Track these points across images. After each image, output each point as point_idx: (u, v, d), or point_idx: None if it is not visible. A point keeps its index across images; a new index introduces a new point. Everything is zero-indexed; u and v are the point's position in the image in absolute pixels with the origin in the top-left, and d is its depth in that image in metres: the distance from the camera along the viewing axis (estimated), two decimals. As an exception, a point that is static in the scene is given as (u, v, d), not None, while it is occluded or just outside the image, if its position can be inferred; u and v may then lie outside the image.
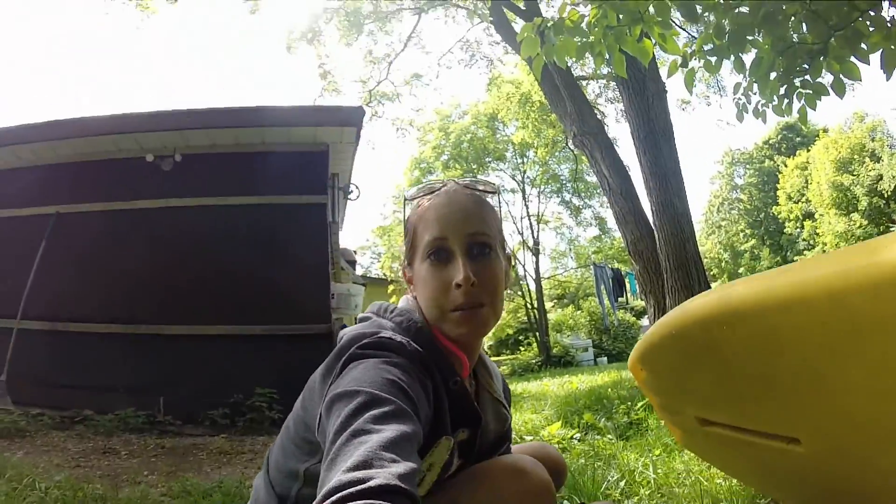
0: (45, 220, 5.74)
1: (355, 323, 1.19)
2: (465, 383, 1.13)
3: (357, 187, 7.15)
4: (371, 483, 0.62)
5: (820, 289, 0.89)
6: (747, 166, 38.89)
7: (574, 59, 3.21)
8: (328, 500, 0.61)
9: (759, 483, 1.80)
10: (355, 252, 9.82)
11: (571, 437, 3.42)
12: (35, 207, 5.87)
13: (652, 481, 2.32)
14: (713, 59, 3.36)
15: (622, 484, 2.33)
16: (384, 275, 20.40)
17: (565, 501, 2.09)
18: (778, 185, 34.22)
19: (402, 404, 0.83)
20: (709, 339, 1.14)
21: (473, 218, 1.13)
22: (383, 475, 0.64)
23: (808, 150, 31.63)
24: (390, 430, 0.74)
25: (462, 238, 1.10)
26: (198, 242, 5.74)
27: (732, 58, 3.45)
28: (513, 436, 1.44)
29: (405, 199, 1.22)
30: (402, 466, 0.67)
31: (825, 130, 32.05)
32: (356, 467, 0.66)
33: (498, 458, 1.20)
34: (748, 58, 3.49)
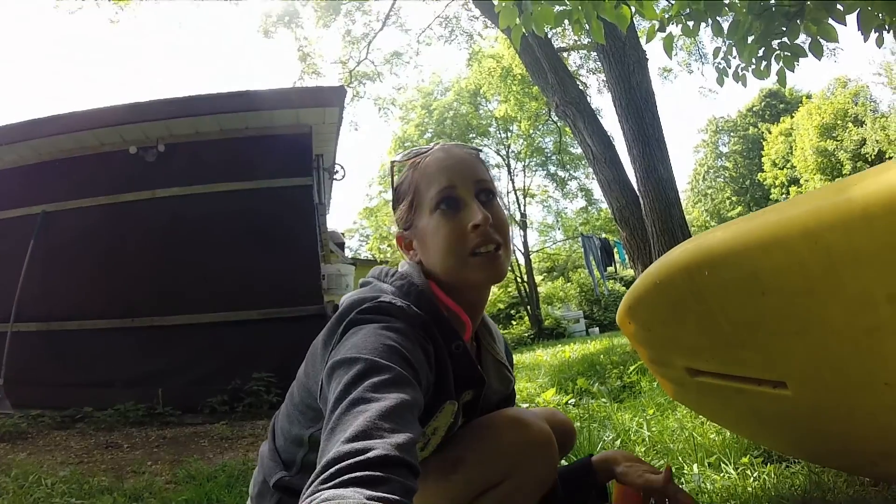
0: (32, 220, 5.68)
1: None
2: (467, 346, 1.12)
3: (342, 167, 7.15)
4: (370, 454, 0.62)
5: (795, 228, 0.91)
6: (731, 134, 38.96)
7: (552, 28, 3.20)
8: (327, 472, 0.61)
9: (751, 432, 1.83)
10: (343, 235, 9.83)
11: (566, 403, 3.47)
12: (21, 208, 5.81)
13: (647, 439, 2.37)
14: (690, 23, 3.37)
15: (617, 443, 2.39)
16: (373, 256, 20.43)
17: (563, 462, 2.13)
18: (763, 152, 34.34)
19: (402, 371, 0.82)
20: (692, 287, 1.15)
21: (477, 167, 1.14)
22: (382, 446, 0.64)
23: (792, 117, 31.71)
24: (390, 399, 0.74)
25: (470, 185, 1.10)
26: (186, 231, 5.70)
27: (710, 21, 3.47)
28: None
29: (393, 164, 1.21)
30: (402, 436, 0.67)
31: (808, 97, 32.12)
32: (355, 438, 0.65)
33: (499, 411, 1.21)
34: (727, 22, 3.50)
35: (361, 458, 0.62)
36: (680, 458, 2.00)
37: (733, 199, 36.92)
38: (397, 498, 0.59)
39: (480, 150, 1.23)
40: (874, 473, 1.49)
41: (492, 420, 1.16)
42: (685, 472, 1.88)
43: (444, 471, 1.10)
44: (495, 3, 4.35)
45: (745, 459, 1.85)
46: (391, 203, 1.24)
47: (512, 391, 1.34)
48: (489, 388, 1.19)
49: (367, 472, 0.60)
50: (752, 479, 1.73)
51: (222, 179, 5.84)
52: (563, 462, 1.95)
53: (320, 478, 0.61)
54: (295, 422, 1.13)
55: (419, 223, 1.13)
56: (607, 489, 1.38)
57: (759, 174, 34.64)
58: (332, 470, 0.61)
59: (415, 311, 1.01)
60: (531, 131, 21.03)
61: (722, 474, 1.81)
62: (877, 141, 25.37)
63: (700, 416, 2.34)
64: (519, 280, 19.79)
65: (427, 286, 1.10)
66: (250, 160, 5.91)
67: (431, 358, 1.00)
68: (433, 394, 1.01)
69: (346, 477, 0.59)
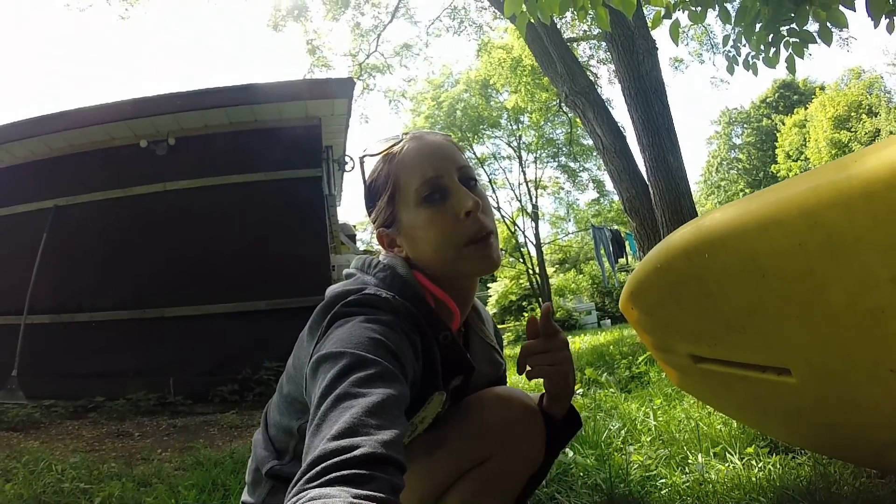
0: (45, 214, 5.76)
1: None
2: (455, 335, 1.09)
3: (352, 159, 7.15)
4: (356, 452, 0.61)
5: (793, 208, 0.88)
6: (745, 126, 38.69)
7: (558, 15, 3.17)
8: (313, 471, 0.60)
9: (756, 421, 1.79)
10: (355, 227, 9.85)
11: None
12: (33, 203, 5.90)
13: (653, 428, 2.35)
14: (697, 8, 3.32)
15: (623, 432, 2.37)
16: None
17: (568, 450, 2.12)
18: (776, 144, 34.06)
19: (388, 365, 0.81)
20: (692, 270, 1.13)
21: (456, 152, 1.10)
22: (369, 443, 0.63)
23: (806, 108, 31.42)
24: (376, 394, 0.73)
25: (454, 171, 1.07)
26: (197, 223, 5.76)
27: (717, 7, 3.42)
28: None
29: (362, 159, 1.15)
30: (389, 433, 0.67)
31: (822, 88, 31.80)
32: (341, 435, 0.65)
33: (487, 389, 1.18)
34: (735, 9, 3.46)
35: (347, 456, 0.61)
36: (685, 448, 1.98)
37: (746, 191, 36.61)
38: (384, 496, 0.58)
39: (450, 136, 1.18)
40: (880, 465, 1.45)
41: (478, 398, 1.14)
42: (690, 461, 1.86)
43: (427, 448, 1.08)
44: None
45: (750, 449, 1.82)
46: (364, 200, 1.17)
47: (503, 374, 1.32)
48: (478, 372, 1.17)
49: (353, 471, 0.59)
50: (756, 469, 1.70)
51: (232, 172, 5.89)
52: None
53: (306, 476, 0.60)
54: (284, 413, 1.11)
55: (404, 218, 1.08)
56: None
57: (773, 166, 34.36)
58: (318, 468, 0.60)
59: (400, 302, 0.98)
60: (542, 122, 20.89)
61: (727, 464, 1.78)
62: (891, 132, 25.08)
63: (707, 407, 2.32)
64: (531, 272, 19.75)
65: (411, 276, 1.07)
66: (260, 152, 5.93)
67: (418, 349, 0.98)
68: (421, 385, 0.99)
69: (332, 475, 0.59)
